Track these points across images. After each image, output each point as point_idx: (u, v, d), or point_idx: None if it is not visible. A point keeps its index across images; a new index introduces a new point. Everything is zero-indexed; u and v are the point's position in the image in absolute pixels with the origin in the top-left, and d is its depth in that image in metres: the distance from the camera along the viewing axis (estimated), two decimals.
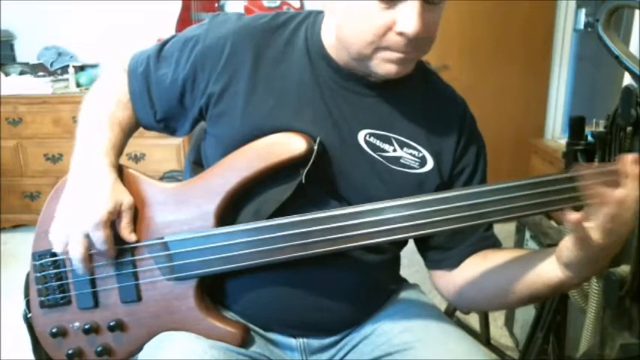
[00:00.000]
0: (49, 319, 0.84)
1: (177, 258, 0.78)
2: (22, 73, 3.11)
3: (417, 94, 0.84)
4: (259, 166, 0.76)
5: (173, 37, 0.88)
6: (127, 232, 0.78)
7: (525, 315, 1.73)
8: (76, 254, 0.76)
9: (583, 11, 3.22)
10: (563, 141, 1.81)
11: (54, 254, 0.82)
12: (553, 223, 1.65)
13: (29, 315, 0.86)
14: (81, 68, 3.22)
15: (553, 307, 1.31)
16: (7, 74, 3.08)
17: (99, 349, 0.82)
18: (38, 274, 0.83)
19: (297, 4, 3.14)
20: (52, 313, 0.84)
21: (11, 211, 3.06)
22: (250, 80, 0.79)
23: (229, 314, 0.85)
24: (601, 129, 0.94)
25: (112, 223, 0.77)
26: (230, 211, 0.79)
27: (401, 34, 0.69)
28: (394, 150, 0.80)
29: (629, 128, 0.87)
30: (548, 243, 1.53)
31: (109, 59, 3.18)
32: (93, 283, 0.81)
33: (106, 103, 0.87)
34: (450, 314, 1.74)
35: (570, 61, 3.28)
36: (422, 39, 0.71)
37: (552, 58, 3.27)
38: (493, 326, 1.92)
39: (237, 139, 0.79)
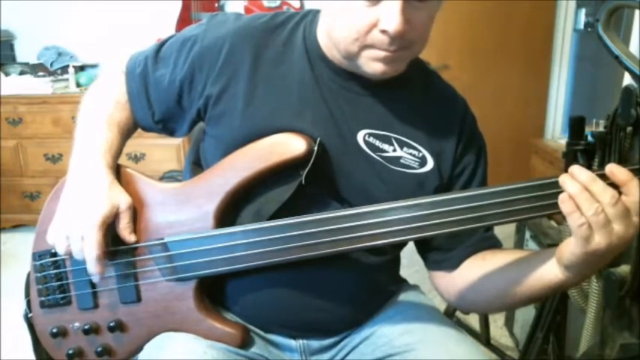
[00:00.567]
0: (50, 319, 0.84)
1: (177, 259, 0.78)
2: (22, 73, 3.11)
3: (417, 94, 0.84)
4: (259, 166, 0.76)
5: (171, 37, 0.88)
6: (126, 233, 0.78)
7: (525, 315, 1.73)
8: (79, 255, 0.76)
9: (583, 11, 3.22)
10: (563, 141, 1.81)
11: (54, 254, 0.82)
12: (553, 223, 1.65)
13: (30, 315, 0.86)
14: (81, 68, 3.22)
15: (553, 307, 1.31)
16: (7, 74, 3.08)
17: (99, 349, 0.82)
18: (38, 274, 0.84)
19: (297, 4, 3.14)
20: (53, 314, 0.84)
21: (11, 211, 3.06)
22: (249, 81, 0.79)
23: (229, 315, 0.85)
24: (601, 129, 0.94)
25: (111, 223, 0.77)
26: (230, 211, 0.79)
27: (384, 31, 0.70)
28: (394, 150, 0.80)
29: (629, 128, 0.86)
30: (548, 243, 1.53)
31: (109, 59, 3.19)
32: (93, 283, 0.81)
33: (105, 104, 0.86)
34: (449, 315, 1.74)
35: (570, 61, 3.28)
36: (409, 38, 0.71)
37: (552, 58, 3.27)
38: (493, 326, 1.92)
39: (237, 140, 0.78)
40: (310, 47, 0.81)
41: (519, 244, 1.77)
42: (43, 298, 0.83)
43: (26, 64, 3.19)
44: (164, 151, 2.91)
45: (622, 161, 0.89)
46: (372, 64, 0.74)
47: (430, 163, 0.81)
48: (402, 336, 0.83)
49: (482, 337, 1.81)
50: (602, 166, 0.90)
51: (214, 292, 0.84)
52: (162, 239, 0.79)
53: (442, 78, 0.89)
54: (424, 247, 0.87)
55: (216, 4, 3.14)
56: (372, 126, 0.80)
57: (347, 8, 0.71)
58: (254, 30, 0.82)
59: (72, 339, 0.83)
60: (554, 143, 2.81)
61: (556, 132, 3.34)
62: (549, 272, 0.69)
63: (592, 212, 0.60)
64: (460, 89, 0.89)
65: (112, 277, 0.81)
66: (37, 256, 0.84)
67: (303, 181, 0.76)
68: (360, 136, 0.80)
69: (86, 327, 0.81)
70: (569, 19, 3.20)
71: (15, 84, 2.97)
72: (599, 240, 0.61)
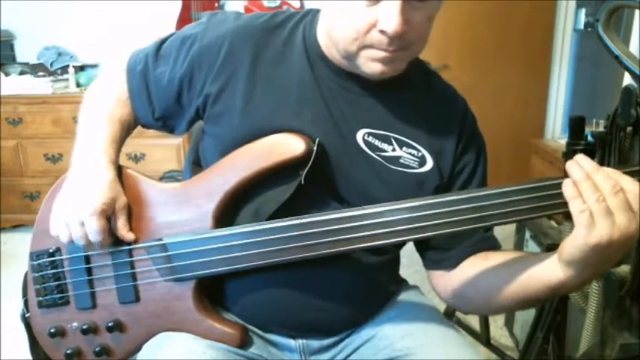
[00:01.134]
0: (48, 319, 0.84)
1: (176, 259, 0.78)
2: (22, 73, 3.11)
3: (417, 94, 0.84)
4: (259, 166, 0.76)
5: (171, 35, 0.88)
6: (124, 232, 0.78)
7: (525, 315, 1.73)
8: (80, 240, 0.76)
9: (583, 11, 3.22)
10: (563, 141, 1.81)
11: (52, 254, 0.82)
12: (553, 223, 1.65)
13: (27, 315, 0.86)
14: (81, 68, 3.22)
15: (553, 307, 1.31)
16: (7, 74, 3.08)
17: (97, 349, 0.82)
18: (36, 274, 0.83)
19: (297, 4, 3.14)
20: (51, 313, 0.83)
21: (11, 211, 3.06)
22: (249, 80, 0.79)
23: (228, 315, 0.85)
24: (601, 129, 0.94)
25: (109, 222, 0.77)
26: (229, 211, 0.79)
27: (382, 31, 0.69)
28: (393, 150, 0.80)
29: (629, 128, 0.87)
30: (548, 243, 1.52)
31: (109, 59, 3.19)
32: (91, 283, 0.81)
33: (106, 101, 0.87)
34: (449, 315, 1.74)
35: (570, 61, 3.28)
36: (408, 38, 0.71)
37: (552, 58, 3.27)
38: (493, 326, 1.92)
39: (236, 139, 0.78)
40: (310, 47, 0.81)
41: (519, 244, 1.77)
42: (40, 298, 0.83)
43: (26, 64, 3.19)
44: (164, 151, 2.91)
45: (622, 161, 0.89)
46: (370, 64, 0.74)
47: (430, 163, 0.81)
48: (403, 339, 0.83)
49: (483, 337, 1.81)
50: (602, 166, 0.90)
51: (213, 292, 0.84)
52: (161, 239, 0.79)
53: (442, 78, 0.89)
54: (423, 246, 0.87)
55: (216, 4, 3.14)
56: (371, 126, 0.80)
57: (347, 8, 0.71)
58: (254, 29, 0.82)
59: (70, 339, 0.83)
60: (554, 143, 2.81)
61: (556, 132, 3.34)
62: (549, 270, 0.68)
63: (593, 200, 0.60)
64: (460, 89, 0.89)
65: (110, 277, 0.81)
66: (35, 255, 0.84)
67: (303, 181, 0.76)
68: (360, 135, 0.80)
69: (84, 327, 0.81)
70: (569, 19, 3.21)
71: (15, 84, 2.97)
72: (600, 229, 0.60)
